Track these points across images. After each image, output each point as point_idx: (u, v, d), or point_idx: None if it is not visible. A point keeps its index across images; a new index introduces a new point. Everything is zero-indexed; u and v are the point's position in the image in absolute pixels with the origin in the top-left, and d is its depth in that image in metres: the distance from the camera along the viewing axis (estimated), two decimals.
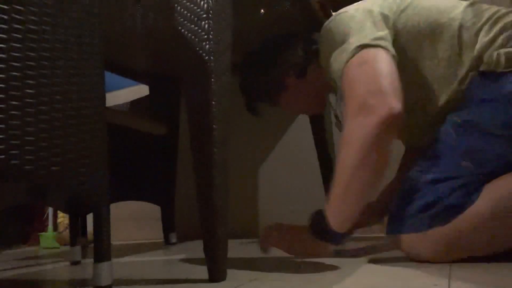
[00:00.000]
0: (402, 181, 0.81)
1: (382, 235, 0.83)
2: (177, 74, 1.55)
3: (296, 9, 1.22)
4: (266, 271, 0.77)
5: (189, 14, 0.75)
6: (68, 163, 0.59)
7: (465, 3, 0.83)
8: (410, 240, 0.74)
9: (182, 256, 1.13)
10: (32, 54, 0.54)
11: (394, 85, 0.73)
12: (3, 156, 0.50)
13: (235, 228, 1.38)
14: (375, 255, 0.92)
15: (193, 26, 0.74)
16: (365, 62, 0.76)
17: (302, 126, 1.52)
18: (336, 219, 0.74)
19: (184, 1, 0.76)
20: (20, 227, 2.15)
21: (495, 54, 0.74)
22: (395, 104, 0.71)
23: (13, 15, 0.52)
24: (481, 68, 0.76)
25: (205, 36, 0.73)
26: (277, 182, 1.64)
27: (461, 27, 0.80)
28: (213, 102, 0.71)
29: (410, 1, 0.85)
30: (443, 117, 0.80)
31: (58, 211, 1.99)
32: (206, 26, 0.73)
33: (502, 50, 0.74)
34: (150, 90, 1.70)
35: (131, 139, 1.48)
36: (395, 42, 0.82)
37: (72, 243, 1.16)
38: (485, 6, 0.83)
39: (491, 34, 0.77)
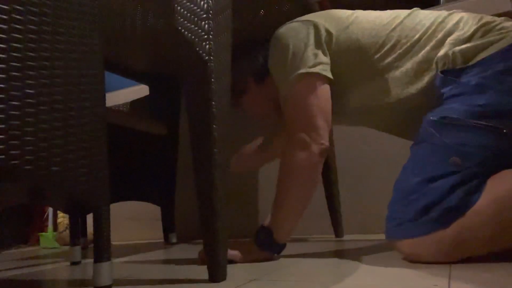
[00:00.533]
0: (395, 184, 0.81)
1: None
2: (177, 74, 1.56)
3: (296, 9, 1.22)
4: (266, 271, 0.77)
5: (189, 14, 0.75)
6: (68, 163, 0.59)
7: (405, 13, 0.92)
8: (411, 242, 0.74)
9: (182, 256, 1.13)
10: (32, 54, 0.54)
11: (326, 119, 0.89)
12: (3, 156, 0.50)
13: (235, 228, 1.38)
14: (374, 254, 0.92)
15: (193, 26, 0.74)
16: (304, 96, 0.89)
17: None
18: (281, 234, 0.91)
19: (184, 1, 0.76)
20: (20, 227, 2.16)
21: (450, 53, 0.82)
22: (325, 141, 0.89)
23: (13, 15, 0.52)
24: (441, 68, 0.83)
25: (205, 36, 0.73)
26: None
27: (402, 37, 0.88)
28: (213, 102, 0.71)
29: (355, 17, 0.93)
30: (417, 115, 0.85)
31: (58, 211, 1.99)
32: (206, 26, 0.73)
33: (456, 48, 0.81)
34: (150, 90, 1.70)
35: (131, 139, 1.48)
36: (341, 57, 0.91)
37: (72, 243, 1.16)
38: (422, 13, 0.92)
39: (440, 36, 0.85)
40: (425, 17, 0.90)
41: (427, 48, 0.86)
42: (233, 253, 0.88)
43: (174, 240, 1.57)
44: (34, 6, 0.55)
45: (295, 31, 0.93)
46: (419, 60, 0.86)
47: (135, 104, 1.65)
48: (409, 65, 0.87)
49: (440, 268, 0.67)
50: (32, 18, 0.55)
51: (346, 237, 1.37)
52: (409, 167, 0.80)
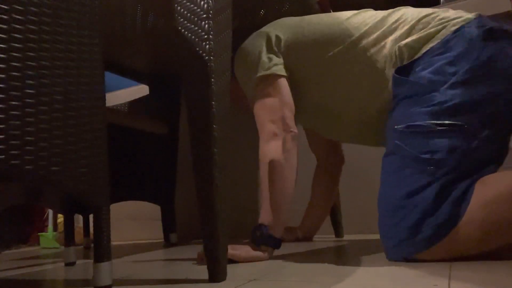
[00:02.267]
0: (378, 201, 0.81)
1: None
2: (177, 74, 1.56)
3: (296, 9, 1.22)
4: (266, 271, 0.77)
5: (189, 14, 0.75)
6: (68, 163, 0.59)
7: (349, 14, 0.97)
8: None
9: (182, 256, 1.13)
10: (32, 54, 0.54)
11: (290, 109, 0.96)
12: (3, 156, 0.50)
13: (235, 228, 1.38)
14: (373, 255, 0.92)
15: (193, 26, 0.74)
16: (266, 94, 0.96)
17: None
18: (276, 226, 0.92)
19: (184, 1, 0.76)
20: (20, 227, 2.15)
21: (396, 48, 0.83)
22: (293, 128, 0.94)
23: (13, 15, 0.52)
24: (390, 67, 0.85)
25: (205, 36, 0.73)
26: None
27: (349, 37, 0.92)
28: (213, 102, 0.71)
29: (306, 21, 1.00)
30: (375, 120, 0.91)
31: None
32: (206, 26, 0.73)
33: (401, 43, 0.83)
34: (150, 90, 1.70)
35: (131, 139, 1.48)
36: (291, 55, 0.98)
37: (66, 243, 1.14)
38: (368, 13, 0.96)
39: (380, 34, 0.88)
40: (370, 16, 0.93)
41: (372, 48, 0.89)
42: (233, 252, 0.88)
43: (174, 240, 1.57)
44: (34, 6, 0.55)
45: (251, 42, 1.02)
46: (366, 60, 0.89)
47: (135, 104, 1.65)
48: (357, 65, 0.91)
49: (440, 268, 0.67)
50: (32, 18, 0.55)
51: (346, 237, 1.37)
52: (386, 181, 0.80)
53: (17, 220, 2.13)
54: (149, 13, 1.15)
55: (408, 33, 0.84)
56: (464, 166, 0.72)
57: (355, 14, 0.96)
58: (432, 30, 0.81)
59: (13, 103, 0.51)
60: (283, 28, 1.02)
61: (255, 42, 1.01)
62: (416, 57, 0.80)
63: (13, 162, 0.51)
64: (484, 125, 0.73)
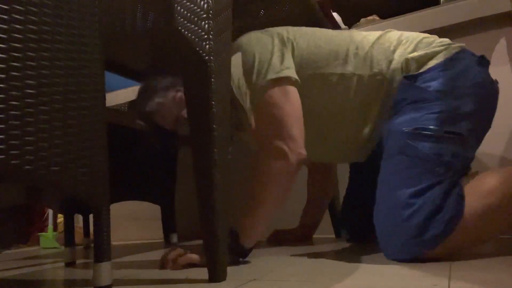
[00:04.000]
0: (379, 200, 0.82)
1: None
2: (177, 74, 1.56)
3: (296, 9, 1.22)
4: (266, 271, 0.77)
5: (189, 14, 0.75)
6: (68, 163, 0.59)
7: (347, 33, 0.98)
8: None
9: None
10: (32, 54, 0.54)
11: (300, 127, 0.88)
12: (3, 156, 0.50)
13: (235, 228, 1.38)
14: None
15: (193, 26, 0.74)
16: (276, 104, 0.87)
17: None
18: (249, 239, 0.88)
19: (184, 1, 0.76)
20: (20, 227, 2.15)
21: (403, 60, 0.88)
22: (302, 150, 0.87)
23: (13, 15, 0.52)
24: (397, 75, 0.88)
25: (205, 36, 0.73)
26: None
27: (350, 50, 0.93)
28: (213, 102, 0.71)
29: (312, 30, 0.98)
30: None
31: None
32: (206, 26, 0.73)
33: (409, 56, 0.88)
34: None
35: (131, 139, 1.48)
36: (302, 61, 0.93)
37: (66, 243, 1.14)
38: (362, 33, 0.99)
39: (390, 48, 0.92)
40: (367, 34, 0.97)
41: (378, 60, 0.91)
42: (192, 256, 0.84)
43: (174, 240, 1.57)
44: (34, 6, 0.55)
45: (258, 40, 0.93)
46: (372, 72, 0.91)
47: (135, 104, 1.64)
48: (365, 76, 0.91)
49: (440, 268, 0.67)
50: (32, 18, 0.55)
51: None
52: (391, 180, 0.81)
53: (17, 220, 2.13)
54: (149, 13, 1.15)
55: (414, 49, 0.90)
56: (462, 170, 0.80)
57: (353, 32, 0.98)
58: (437, 49, 0.88)
59: (13, 103, 0.51)
60: (293, 31, 0.96)
61: (264, 40, 0.93)
62: (422, 70, 0.86)
63: (13, 162, 0.51)
64: (471, 134, 0.82)
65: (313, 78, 0.92)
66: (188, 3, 0.75)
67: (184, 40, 0.74)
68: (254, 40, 0.93)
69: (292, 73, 0.89)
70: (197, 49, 0.73)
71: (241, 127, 0.99)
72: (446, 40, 0.91)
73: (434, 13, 1.34)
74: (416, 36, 0.93)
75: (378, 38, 0.94)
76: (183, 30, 0.75)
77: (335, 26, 1.51)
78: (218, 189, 0.70)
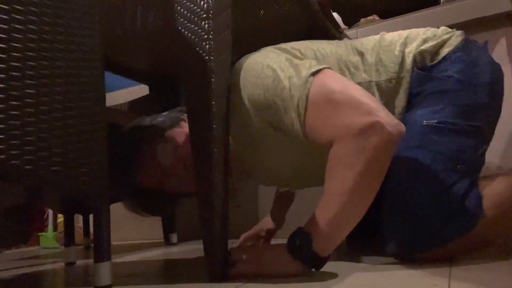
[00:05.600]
0: (395, 196, 0.77)
1: None
2: (177, 74, 1.56)
3: (296, 9, 1.22)
4: None
5: (189, 14, 0.75)
6: (68, 163, 0.59)
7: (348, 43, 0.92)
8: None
9: (182, 256, 1.13)
10: (32, 54, 0.54)
11: (374, 99, 0.72)
12: (3, 156, 0.50)
13: (235, 228, 1.38)
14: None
15: (193, 26, 0.74)
16: (330, 88, 0.70)
17: None
18: (326, 244, 0.68)
19: (184, 1, 0.76)
20: (20, 227, 2.15)
21: (416, 53, 0.84)
22: (393, 119, 0.67)
23: (13, 15, 0.52)
24: (412, 66, 0.84)
25: (205, 36, 0.73)
26: None
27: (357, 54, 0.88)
28: (213, 102, 0.71)
29: (310, 43, 0.89)
30: None
31: None
32: (206, 26, 0.73)
33: (422, 47, 0.84)
34: (150, 90, 1.69)
35: None
36: None
37: (66, 243, 1.14)
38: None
39: (401, 47, 0.86)
40: (364, 40, 0.92)
41: (389, 63, 0.84)
42: (242, 263, 0.71)
43: (174, 240, 1.57)
44: (34, 6, 0.55)
45: (265, 56, 0.79)
46: (388, 77, 0.84)
47: (135, 104, 1.65)
48: (382, 82, 0.84)
49: (440, 268, 0.67)
50: (32, 18, 0.55)
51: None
52: (410, 176, 0.77)
53: (17, 220, 2.13)
54: (149, 13, 1.15)
55: (422, 42, 0.86)
56: (481, 164, 0.79)
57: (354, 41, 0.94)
58: (444, 36, 0.85)
59: (13, 103, 0.51)
60: (295, 43, 0.87)
61: (270, 55, 0.80)
62: (436, 60, 0.83)
63: (13, 162, 0.51)
64: (490, 125, 0.81)
65: None
66: (188, 3, 0.75)
67: (184, 40, 0.74)
68: (259, 58, 0.80)
69: (321, 65, 0.75)
70: (197, 49, 0.73)
71: (250, 171, 0.94)
72: (447, 28, 0.90)
73: (434, 13, 1.34)
74: (418, 30, 0.91)
75: (379, 41, 0.90)
76: (183, 30, 0.75)
77: (335, 26, 1.50)
78: (217, 189, 0.70)
